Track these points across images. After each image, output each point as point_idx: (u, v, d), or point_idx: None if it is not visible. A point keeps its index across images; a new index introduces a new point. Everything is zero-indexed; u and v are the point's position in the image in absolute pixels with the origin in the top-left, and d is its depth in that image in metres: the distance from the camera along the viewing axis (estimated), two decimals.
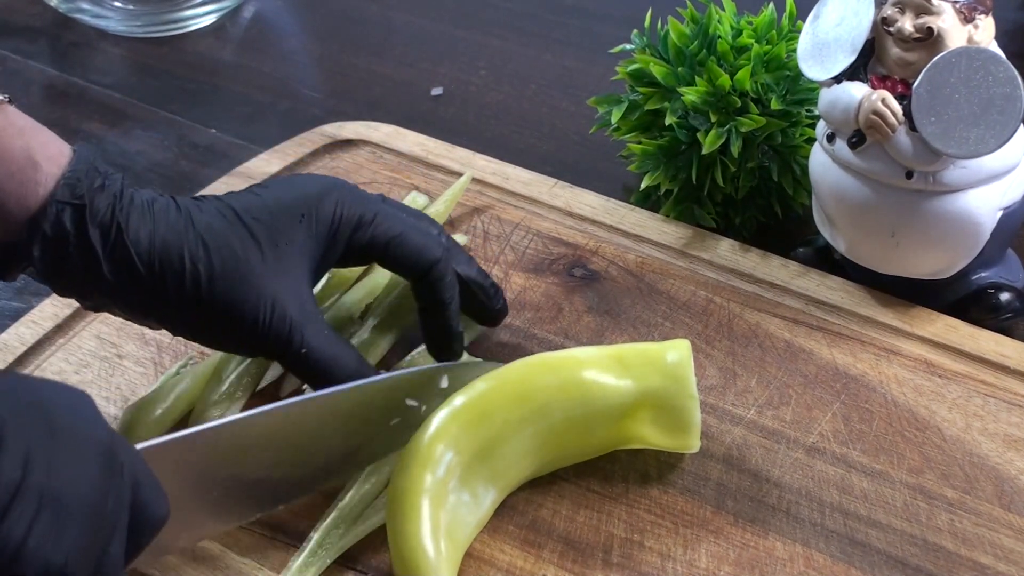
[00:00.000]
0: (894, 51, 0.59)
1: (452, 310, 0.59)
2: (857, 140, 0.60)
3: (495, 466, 0.54)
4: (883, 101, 0.58)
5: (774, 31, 0.69)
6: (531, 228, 0.70)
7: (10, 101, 0.52)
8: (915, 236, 0.61)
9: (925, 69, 0.57)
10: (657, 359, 0.55)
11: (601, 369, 0.55)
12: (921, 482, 0.56)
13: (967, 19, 0.57)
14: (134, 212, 0.52)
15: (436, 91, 0.87)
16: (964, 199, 0.59)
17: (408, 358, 0.62)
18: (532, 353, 0.59)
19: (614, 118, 0.71)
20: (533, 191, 0.72)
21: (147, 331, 0.64)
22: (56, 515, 0.38)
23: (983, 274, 0.63)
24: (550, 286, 0.67)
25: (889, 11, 0.58)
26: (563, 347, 0.62)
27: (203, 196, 0.56)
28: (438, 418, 0.53)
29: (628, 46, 0.73)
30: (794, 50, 0.63)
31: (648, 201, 0.73)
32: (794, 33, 0.68)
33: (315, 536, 0.53)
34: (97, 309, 0.55)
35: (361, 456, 0.56)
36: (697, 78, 0.67)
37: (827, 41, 0.61)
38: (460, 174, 0.72)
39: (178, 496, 0.45)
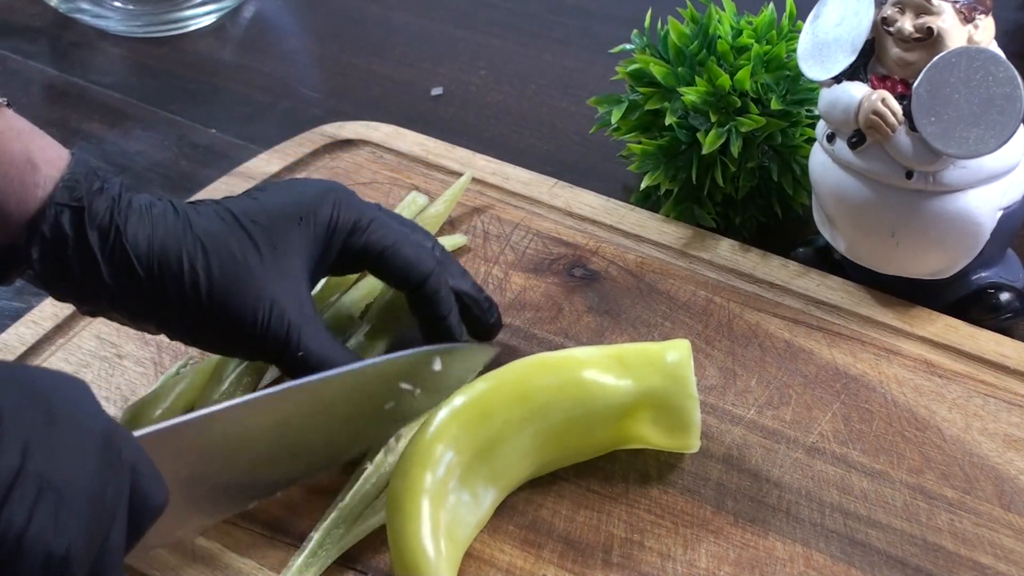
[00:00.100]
0: (894, 51, 0.59)
1: (451, 322, 0.59)
2: (857, 140, 0.60)
3: (495, 466, 0.54)
4: (883, 101, 0.58)
5: (774, 31, 0.69)
6: (531, 228, 0.70)
7: (8, 104, 0.52)
8: (915, 236, 0.61)
9: (925, 69, 0.57)
10: (657, 359, 0.55)
11: (601, 369, 0.55)
12: (921, 482, 0.56)
13: (967, 19, 0.57)
14: (132, 216, 0.52)
15: (436, 91, 0.87)
16: (964, 199, 0.59)
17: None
18: (532, 353, 0.59)
19: (614, 118, 0.71)
20: (533, 191, 0.72)
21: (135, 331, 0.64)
22: (56, 503, 0.38)
23: (983, 274, 0.63)
24: (550, 286, 0.67)
25: (889, 11, 0.58)
26: (563, 347, 0.62)
27: (200, 200, 0.56)
28: (438, 418, 0.53)
29: (628, 46, 0.73)
30: (794, 50, 0.63)
31: (648, 201, 0.73)
32: (794, 33, 0.68)
33: (315, 536, 0.53)
34: (95, 314, 0.55)
35: (357, 440, 0.56)
36: (697, 78, 0.67)
37: (827, 41, 0.61)
38: (460, 174, 0.72)
39: (175, 485, 0.45)
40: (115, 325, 0.64)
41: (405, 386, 0.56)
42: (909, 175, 0.59)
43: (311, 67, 0.92)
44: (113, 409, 0.61)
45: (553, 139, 0.82)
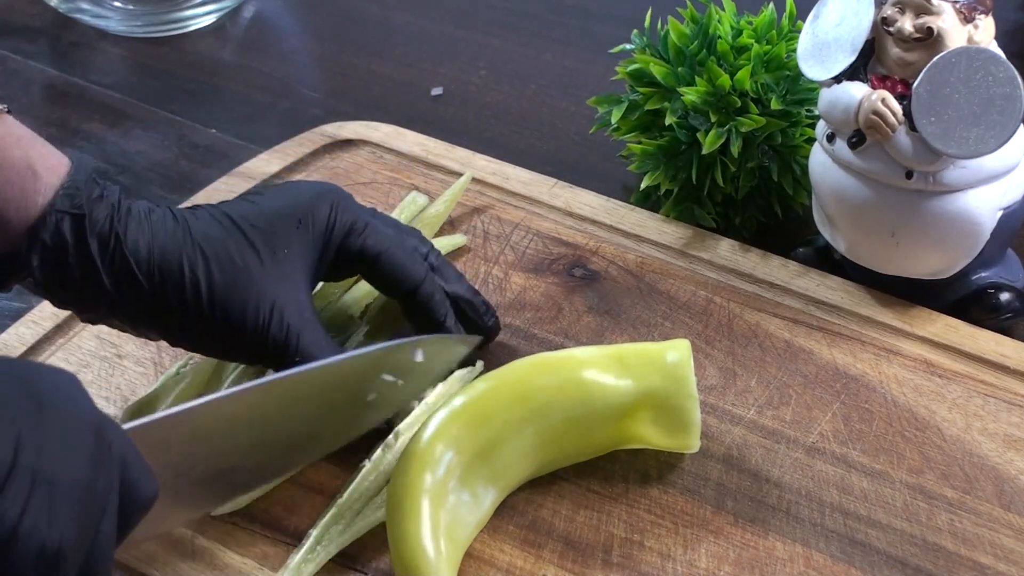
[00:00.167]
0: (894, 51, 0.59)
1: (449, 325, 0.59)
2: (857, 140, 0.60)
3: (495, 466, 0.54)
4: (883, 101, 0.58)
5: (774, 31, 0.69)
6: (531, 228, 0.70)
7: (8, 111, 0.52)
8: (915, 236, 0.61)
9: (925, 69, 0.57)
10: (657, 359, 0.55)
11: (601, 369, 0.55)
12: (921, 482, 0.56)
13: (967, 19, 0.57)
14: (132, 223, 0.53)
15: (436, 91, 0.87)
16: (964, 199, 0.59)
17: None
18: (532, 353, 0.59)
19: (614, 118, 0.71)
20: (533, 191, 0.72)
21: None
22: (49, 495, 0.38)
23: (983, 274, 0.63)
24: (550, 286, 0.67)
25: (889, 11, 0.58)
26: (563, 347, 0.62)
27: (197, 206, 0.56)
28: (438, 418, 0.53)
29: (628, 46, 0.73)
30: (794, 50, 0.63)
31: (648, 201, 0.73)
32: (794, 33, 0.68)
33: (314, 532, 0.53)
34: (95, 322, 0.55)
35: (341, 432, 0.56)
36: (697, 78, 0.67)
37: (827, 41, 0.61)
38: (460, 174, 0.72)
39: (163, 477, 0.45)
40: None
41: (387, 378, 0.56)
42: (909, 175, 0.59)
43: (311, 67, 0.92)
44: (113, 409, 0.61)
45: (553, 139, 0.82)
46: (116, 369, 0.63)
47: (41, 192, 0.51)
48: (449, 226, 0.70)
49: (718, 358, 0.62)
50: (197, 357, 0.62)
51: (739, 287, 0.66)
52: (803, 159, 0.67)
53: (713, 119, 0.66)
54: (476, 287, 0.62)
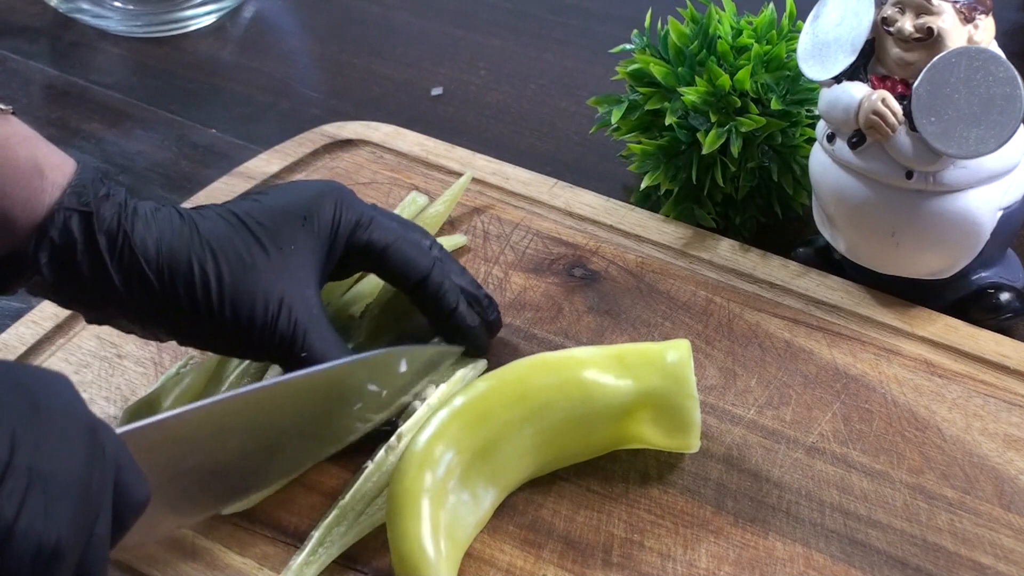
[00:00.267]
0: (894, 51, 0.59)
1: (461, 310, 0.59)
2: (857, 140, 0.60)
3: (495, 466, 0.54)
4: (883, 101, 0.58)
5: (774, 31, 0.69)
6: (531, 228, 0.70)
7: (13, 112, 0.52)
8: (915, 236, 0.61)
9: (925, 69, 0.57)
10: (657, 359, 0.55)
11: (601, 369, 0.55)
12: (921, 482, 0.56)
13: (967, 19, 0.57)
14: (139, 221, 0.53)
15: (436, 91, 0.87)
16: (964, 199, 0.59)
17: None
18: (532, 353, 0.59)
19: (614, 118, 0.71)
20: (533, 191, 0.72)
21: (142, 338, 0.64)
22: (46, 493, 0.38)
23: (983, 274, 0.63)
24: (550, 286, 0.67)
25: (889, 11, 0.58)
26: (563, 347, 0.62)
27: (202, 205, 0.56)
28: (438, 418, 0.53)
29: (628, 46, 0.73)
30: (794, 50, 0.63)
31: (648, 201, 0.73)
32: (794, 33, 0.68)
33: (316, 534, 0.53)
34: (102, 321, 0.55)
35: (328, 441, 0.56)
36: (697, 78, 0.67)
37: (827, 41, 0.61)
38: (460, 174, 0.72)
39: (156, 482, 0.45)
40: None
41: (372, 388, 0.56)
42: (909, 175, 0.59)
43: (311, 67, 0.92)
44: (113, 409, 0.61)
45: (553, 139, 0.82)
46: (116, 369, 0.63)
47: (48, 191, 0.51)
48: (449, 226, 0.70)
49: (718, 358, 0.62)
50: (197, 356, 0.62)
51: (739, 287, 0.66)
52: (803, 159, 0.67)
53: (713, 119, 0.66)
54: None
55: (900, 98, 0.58)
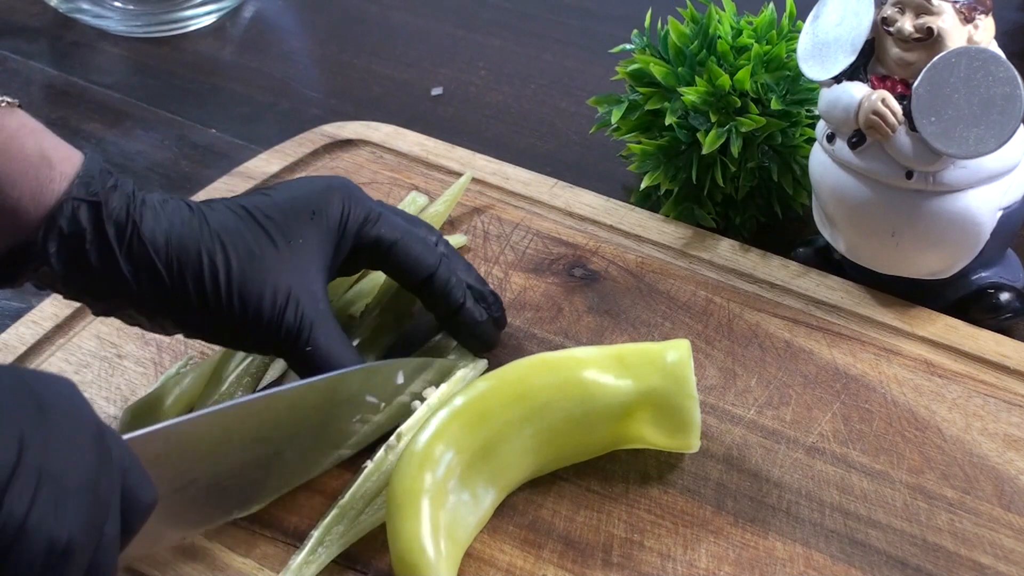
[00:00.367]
0: (894, 51, 0.59)
1: (468, 306, 0.60)
2: (857, 140, 0.60)
3: (495, 466, 0.54)
4: (883, 101, 0.58)
5: (774, 31, 0.69)
6: (531, 228, 0.70)
7: (20, 105, 0.52)
8: (915, 236, 0.61)
9: (925, 69, 0.57)
10: (657, 359, 0.55)
11: (601, 369, 0.55)
12: (921, 482, 0.56)
13: (967, 19, 0.57)
14: (147, 212, 0.53)
15: (436, 91, 0.87)
16: (964, 199, 0.59)
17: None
18: (532, 353, 0.59)
19: (614, 118, 0.71)
20: (533, 191, 0.72)
21: (147, 331, 0.64)
22: (55, 493, 0.38)
23: (983, 274, 0.63)
24: (550, 286, 0.67)
25: (889, 11, 0.58)
26: (563, 347, 0.62)
27: (211, 199, 0.57)
28: (438, 418, 0.53)
29: (628, 46, 0.73)
30: (794, 50, 0.63)
31: (648, 201, 0.73)
32: (794, 33, 0.68)
33: (315, 534, 0.53)
34: (108, 313, 0.55)
35: (328, 453, 0.56)
36: (697, 78, 0.67)
37: (827, 41, 0.61)
38: (460, 174, 0.72)
39: (159, 491, 0.46)
40: (115, 325, 0.64)
41: (371, 399, 0.56)
42: (909, 175, 0.59)
43: (311, 67, 0.92)
44: (113, 409, 0.61)
45: (553, 139, 0.82)
46: (116, 369, 0.63)
47: (56, 181, 0.51)
48: (449, 226, 0.70)
49: (718, 358, 0.62)
50: (197, 357, 0.62)
51: (739, 287, 0.66)
52: (803, 159, 0.67)
53: (713, 119, 0.66)
54: None
55: (900, 98, 0.58)
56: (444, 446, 0.52)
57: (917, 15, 0.57)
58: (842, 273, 0.66)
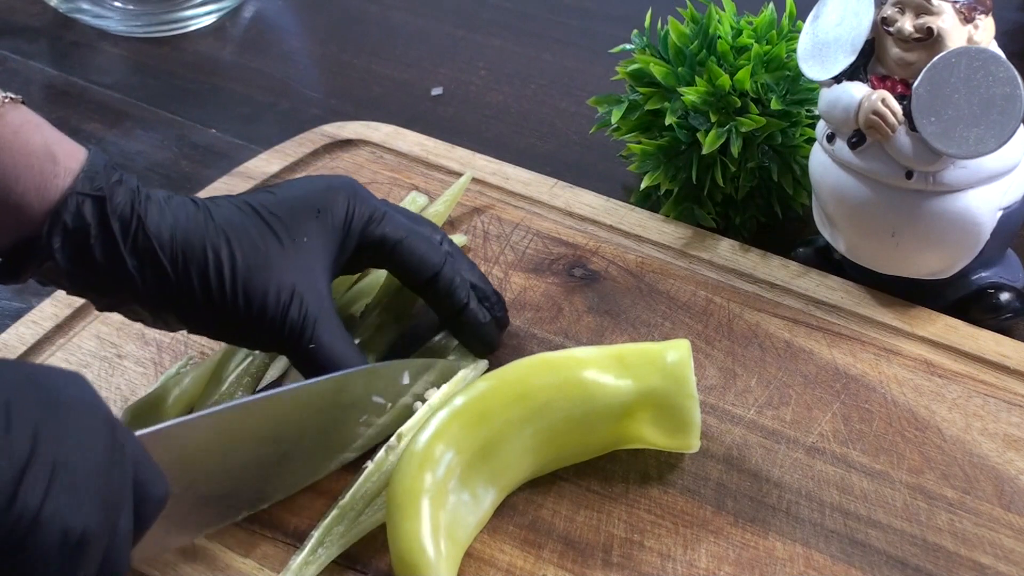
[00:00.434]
0: (894, 51, 0.59)
1: (472, 307, 0.60)
2: (857, 140, 0.60)
3: (495, 466, 0.54)
4: (883, 101, 0.58)
5: (774, 31, 0.69)
6: (531, 228, 0.70)
7: (23, 102, 0.52)
8: (915, 236, 0.61)
9: (925, 69, 0.57)
10: (657, 359, 0.55)
11: (601, 369, 0.55)
12: (921, 482, 0.56)
13: (967, 19, 0.57)
14: (152, 207, 0.53)
15: (436, 91, 0.87)
16: (964, 199, 0.59)
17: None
18: (532, 353, 0.59)
19: (614, 118, 0.71)
20: (533, 191, 0.72)
21: (147, 331, 0.64)
22: (69, 484, 0.39)
23: (983, 274, 0.63)
24: (550, 286, 0.67)
25: (889, 11, 0.58)
26: (563, 347, 0.62)
27: (216, 196, 0.57)
28: (438, 418, 0.53)
29: (628, 46, 0.73)
30: (794, 50, 0.63)
31: (648, 201, 0.73)
32: (794, 33, 0.68)
33: (315, 534, 0.53)
34: (112, 308, 0.55)
35: (335, 453, 0.56)
36: (697, 78, 0.67)
37: (827, 41, 0.61)
38: (460, 174, 0.72)
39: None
40: (115, 325, 0.64)
41: (377, 399, 0.56)
42: (909, 175, 0.59)
43: (311, 67, 0.92)
44: (113, 409, 0.60)
45: (553, 139, 0.82)
46: (116, 369, 0.63)
47: (61, 176, 0.51)
48: (449, 226, 0.70)
49: (718, 358, 0.62)
50: (197, 355, 0.62)
51: (739, 287, 0.66)
52: (803, 159, 0.67)
53: (713, 119, 0.66)
54: None
55: (900, 98, 0.58)
56: (444, 446, 0.52)
57: (917, 15, 0.57)
58: (842, 273, 0.66)
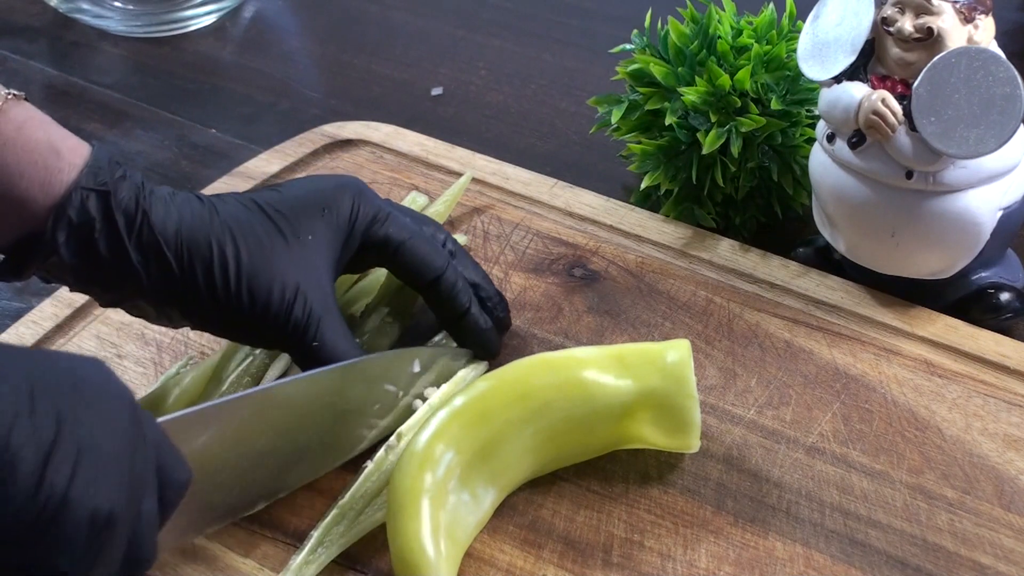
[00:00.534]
0: (894, 51, 0.59)
1: (472, 313, 0.60)
2: (857, 140, 0.60)
3: (495, 466, 0.54)
4: (883, 101, 0.58)
5: (774, 31, 0.69)
6: (531, 228, 0.70)
7: (26, 98, 0.52)
8: (915, 236, 0.61)
9: (925, 69, 0.57)
10: (657, 359, 0.55)
11: (601, 369, 0.55)
12: (921, 482, 0.56)
13: (967, 19, 0.57)
14: (157, 202, 0.53)
15: (436, 91, 0.87)
16: (964, 199, 0.59)
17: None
18: (532, 353, 0.59)
19: (614, 118, 0.71)
20: (533, 191, 0.72)
21: (147, 331, 0.64)
22: (95, 465, 0.39)
23: (983, 274, 0.63)
24: (550, 286, 0.67)
25: (889, 11, 0.58)
26: (563, 347, 0.62)
27: (221, 193, 0.57)
28: (438, 418, 0.53)
29: (628, 46, 0.73)
30: (794, 50, 0.63)
31: (648, 201, 0.73)
32: (794, 33, 0.68)
33: (315, 533, 0.53)
34: (116, 303, 0.55)
35: (348, 443, 0.56)
36: (697, 78, 0.67)
37: (827, 41, 0.61)
38: (460, 174, 0.72)
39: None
40: (115, 325, 0.64)
41: (389, 387, 0.56)
42: (909, 175, 0.59)
43: (311, 67, 0.92)
44: None
45: (553, 139, 0.82)
46: (116, 369, 0.62)
47: (65, 171, 0.51)
48: (449, 226, 0.70)
49: (718, 358, 0.62)
50: (197, 355, 0.62)
51: (739, 287, 0.66)
52: (803, 159, 0.67)
53: (713, 119, 0.66)
54: None
55: (900, 98, 0.58)
56: (444, 446, 0.52)
57: (917, 15, 0.57)
58: (842, 273, 0.66)
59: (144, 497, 0.42)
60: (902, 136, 0.58)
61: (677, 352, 0.55)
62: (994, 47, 0.58)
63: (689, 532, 0.54)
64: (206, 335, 0.64)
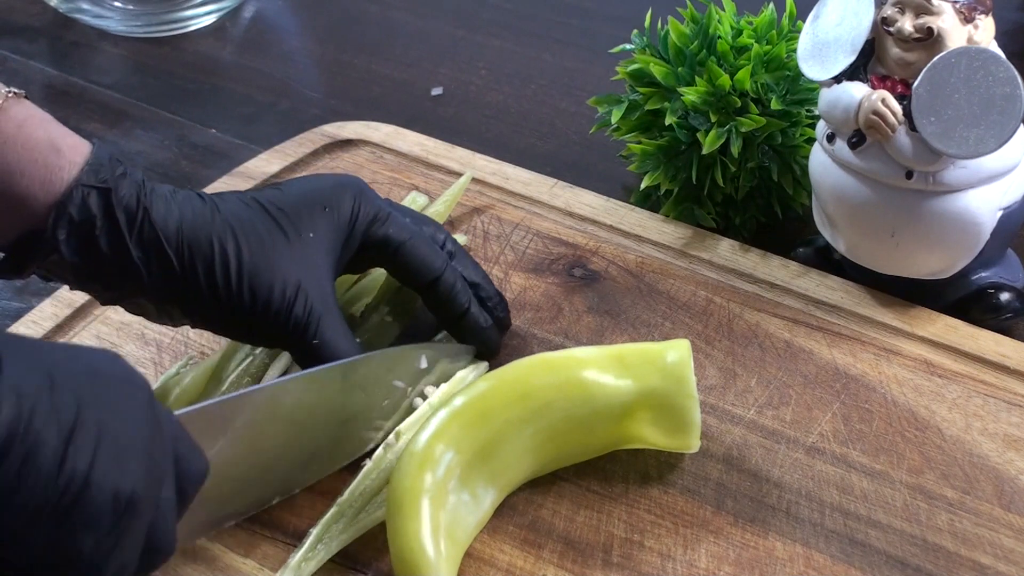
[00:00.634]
0: (894, 51, 0.59)
1: (472, 313, 0.60)
2: (857, 140, 0.60)
3: (495, 466, 0.54)
4: (883, 101, 0.58)
5: (774, 31, 0.69)
6: (531, 228, 0.70)
7: (26, 96, 0.52)
8: (915, 236, 0.61)
9: (925, 69, 0.57)
10: (657, 359, 0.55)
11: (601, 369, 0.55)
12: (921, 482, 0.56)
13: (967, 19, 0.57)
14: (158, 200, 0.53)
15: (436, 91, 0.87)
16: (964, 199, 0.59)
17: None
18: (532, 353, 0.59)
19: (614, 118, 0.71)
20: (533, 191, 0.72)
21: (147, 331, 0.64)
22: (115, 447, 0.39)
23: (983, 274, 0.63)
24: (550, 286, 0.67)
25: (889, 11, 0.58)
26: (563, 347, 0.62)
27: (222, 192, 0.57)
28: (438, 418, 0.53)
29: (628, 46, 0.73)
30: (794, 50, 0.63)
31: (648, 201, 0.73)
32: (794, 33, 0.68)
33: (314, 531, 0.53)
34: (116, 301, 0.55)
35: (357, 440, 0.56)
36: (697, 78, 0.67)
37: (827, 41, 0.61)
38: (460, 174, 0.72)
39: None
40: (115, 325, 0.64)
41: (397, 383, 0.56)
42: (909, 175, 0.59)
43: (311, 67, 0.92)
44: None
45: (553, 139, 0.82)
46: None
47: (65, 168, 0.51)
48: (449, 226, 0.70)
49: (718, 358, 0.62)
50: (197, 355, 0.62)
51: (739, 287, 0.66)
52: (803, 159, 0.67)
53: (713, 119, 0.66)
54: None
55: (900, 98, 0.58)
56: (444, 446, 0.52)
57: (917, 15, 0.57)
58: (842, 273, 0.66)
59: (163, 485, 0.42)
60: (902, 136, 0.58)
61: (677, 352, 0.55)
62: (994, 47, 0.58)
63: (689, 532, 0.54)
64: (206, 335, 0.64)
